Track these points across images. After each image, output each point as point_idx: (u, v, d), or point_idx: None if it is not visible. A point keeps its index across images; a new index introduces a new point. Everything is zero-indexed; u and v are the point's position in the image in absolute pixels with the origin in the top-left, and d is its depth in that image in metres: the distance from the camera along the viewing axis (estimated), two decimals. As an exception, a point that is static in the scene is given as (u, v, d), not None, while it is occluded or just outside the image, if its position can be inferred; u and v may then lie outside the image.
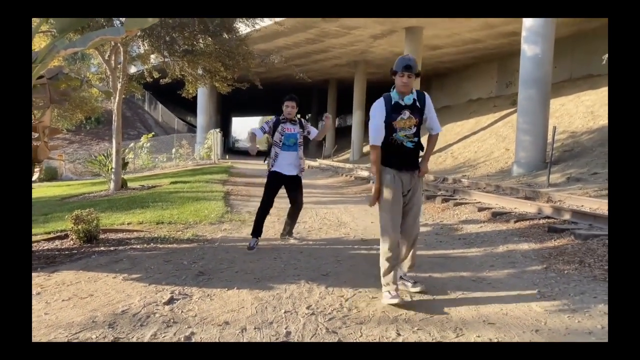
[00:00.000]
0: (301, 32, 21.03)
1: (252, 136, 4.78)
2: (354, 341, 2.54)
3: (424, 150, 3.34)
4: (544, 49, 12.78)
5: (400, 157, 3.21)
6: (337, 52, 25.32)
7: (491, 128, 19.51)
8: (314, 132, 4.96)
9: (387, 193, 3.18)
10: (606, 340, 2.55)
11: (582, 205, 6.89)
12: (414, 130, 3.20)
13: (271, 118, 4.88)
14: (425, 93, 3.30)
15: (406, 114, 3.15)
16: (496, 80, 25.07)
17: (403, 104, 3.15)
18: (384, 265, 3.19)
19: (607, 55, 10.25)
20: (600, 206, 6.62)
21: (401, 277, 3.37)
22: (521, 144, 13.14)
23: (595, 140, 13.09)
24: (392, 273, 3.16)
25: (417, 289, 3.32)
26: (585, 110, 15.64)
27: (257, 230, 4.78)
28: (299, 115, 4.93)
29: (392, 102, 3.16)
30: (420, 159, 3.35)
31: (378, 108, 3.19)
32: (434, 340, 2.54)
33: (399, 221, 3.21)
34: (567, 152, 13.21)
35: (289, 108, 4.76)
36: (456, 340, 2.55)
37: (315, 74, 28.58)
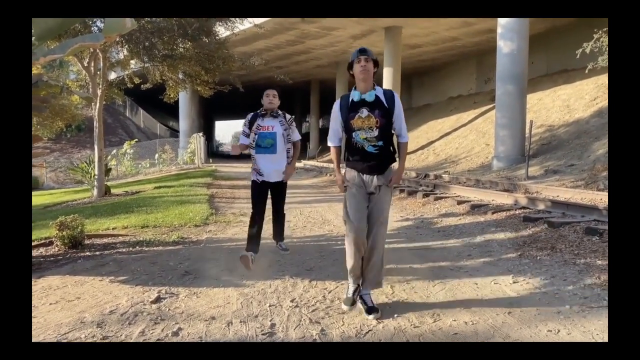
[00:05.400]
0: (281, 34, 21.10)
1: (236, 147, 4.28)
2: (337, 330, 2.65)
3: (398, 159, 3.05)
4: (520, 45, 13.06)
5: (363, 162, 2.94)
6: (318, 53, 25.44)
7: (471, 124, 19.82)
8: (294, 137, 4.30)
9: (350, 189, 2.98)
10: (569, 313, 2.71)
11: (558, 196, 7.11)
12: (375, 132, 2.88)
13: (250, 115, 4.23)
14: (395, 92, 3.02)
15: (364, 112, 2.88)
16: (475, 77, 25.45)
17: (357, 99, 2.90)
18: (347, 257, 2.98)
19: (581, 50, 10.54)
20: (574, 195, 6.86)
21: (360, 296, 2.99)
22: (500, 139, 13.42)
23: (572, 133, 13.44)
24: (353, 266, 2.96)
25: (372, 316, 2.82)
26: (561, 104, 16.03)
27: (249, 244, 4.06)
28: (280, 112, 4.24)
29: (350, 100, 2.95)
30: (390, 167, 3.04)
31: (334, 109, 3.03)
32: (412, 326, 2.67)
33: (363, 213, 2.93)
34: (545, 145, 13.53)
35: (270, 97, 4.12)
36: (434, 325, 2.69)
37: (297, 76, 28.66)
